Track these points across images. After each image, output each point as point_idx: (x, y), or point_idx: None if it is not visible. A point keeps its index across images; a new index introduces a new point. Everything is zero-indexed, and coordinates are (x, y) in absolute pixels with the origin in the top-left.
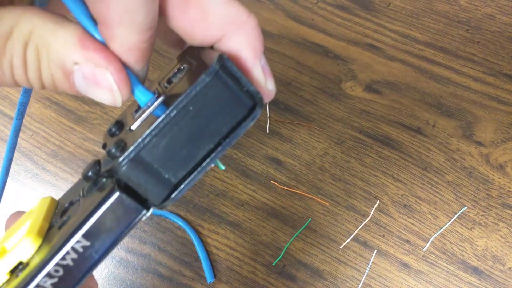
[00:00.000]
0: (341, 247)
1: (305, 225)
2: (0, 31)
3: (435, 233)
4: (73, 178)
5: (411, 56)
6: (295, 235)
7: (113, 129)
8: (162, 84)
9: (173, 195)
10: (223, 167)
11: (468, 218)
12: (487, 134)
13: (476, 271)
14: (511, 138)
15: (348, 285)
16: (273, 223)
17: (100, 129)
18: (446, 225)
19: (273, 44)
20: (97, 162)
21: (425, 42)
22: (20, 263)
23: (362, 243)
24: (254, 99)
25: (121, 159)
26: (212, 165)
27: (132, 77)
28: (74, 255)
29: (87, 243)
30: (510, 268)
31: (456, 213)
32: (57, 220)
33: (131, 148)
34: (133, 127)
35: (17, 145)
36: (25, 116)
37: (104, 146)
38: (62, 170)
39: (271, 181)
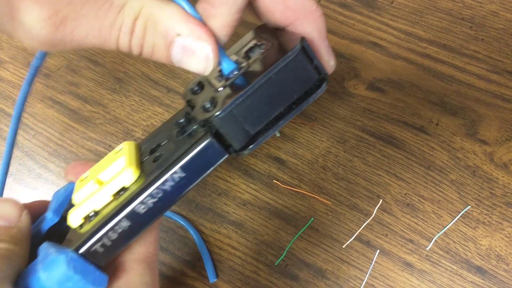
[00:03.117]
0: (343, 246)
1: (307, 225)
2: (115, 3)
3: (438, 232)
4: None
5: (415, 54)
6: (298, 235)
7: (195, 88)
8: (240, 56)
9: (251, 146)
10: (278, 134)
11: (471, 217)
12: (491, 132)
13: (479, 270)
14: None
15: (350, 284)
16: (275, 222)
17: (103, 129)
18: (450, 224)
19: None
20: (187, 113)
21: (429, 40)
22: (123, 188)
23: (365, 243)
24: (320, 74)
25: (218, 112)
26: (278, 130)
27: (221, 49)
28: (171, 183)
29: (182, 174)
30: None
31: (459, 212)
32: (145, 157)
33: (228, 104)
34: (220, 89)
35: (20, 145)
36: (28, 116)
37: (188, 102)
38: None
39: (274, 181)
